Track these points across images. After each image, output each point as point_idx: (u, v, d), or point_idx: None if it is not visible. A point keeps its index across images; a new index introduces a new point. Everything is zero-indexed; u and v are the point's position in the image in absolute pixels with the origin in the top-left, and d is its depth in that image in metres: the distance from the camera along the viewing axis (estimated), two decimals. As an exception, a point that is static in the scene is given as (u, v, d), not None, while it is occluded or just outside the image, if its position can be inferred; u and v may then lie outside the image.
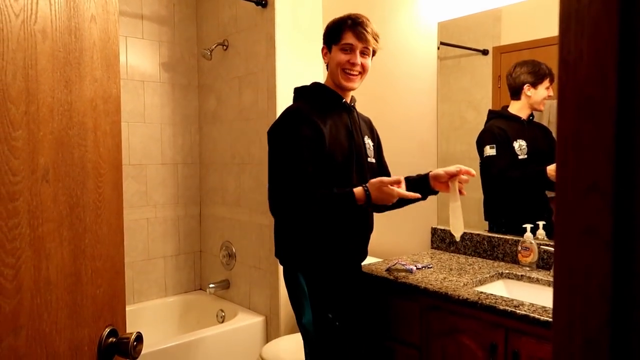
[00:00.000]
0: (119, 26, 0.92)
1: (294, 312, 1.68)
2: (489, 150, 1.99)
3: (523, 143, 1.95)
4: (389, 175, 1.81)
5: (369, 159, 1.69)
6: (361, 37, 1.58)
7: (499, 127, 2.00)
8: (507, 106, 1.99)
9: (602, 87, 0.33)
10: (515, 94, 1.95)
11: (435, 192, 1.70)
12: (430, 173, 1.67)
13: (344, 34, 1.59)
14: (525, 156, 1.95)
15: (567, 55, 0.36)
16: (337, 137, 1.59)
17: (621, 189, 0.32)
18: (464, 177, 1.60)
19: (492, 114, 2.03)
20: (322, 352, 1.61)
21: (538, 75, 1.89)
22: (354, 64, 1.59)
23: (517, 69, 1.93)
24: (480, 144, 2.03)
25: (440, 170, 1.65)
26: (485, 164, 2.01)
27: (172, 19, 3.07)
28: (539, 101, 1.91)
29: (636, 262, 0.32)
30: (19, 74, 0.70)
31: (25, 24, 0.71)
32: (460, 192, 1.61)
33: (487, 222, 2.07)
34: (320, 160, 1.53)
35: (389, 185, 1.49)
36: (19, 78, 0.70)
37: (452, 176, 1.61)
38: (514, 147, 1.96)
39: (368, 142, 1.72)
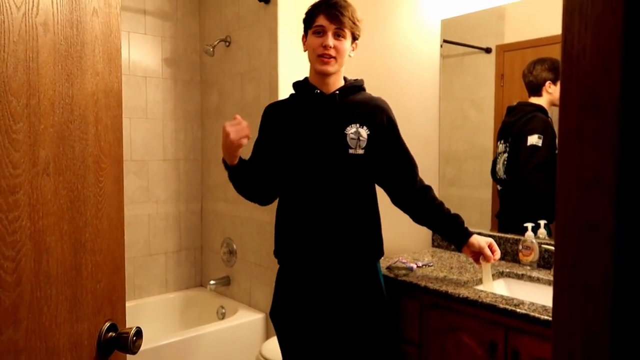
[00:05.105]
0: (121, 20, 0.92)
1: None
2: (536, 140, 1.93)
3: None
4: (400, 167, 1.65)
5: (350, 151, 1.55)
6: (333, 17, 1.51)
7: (545, 119, 1.94)
8: (525, 102, 1.95)
9: (606, 80, 0.32)
10: (535, 90, 1.93)
11: (460, 246, 1.68)
12: (470, 239, 1.63)
13: (317, 17, 1.54)
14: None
15: (571, 49, 0.36)
16: (299, 130, 1.59)
17: (624, 183, 0.32)
18: (493, 261, 1.64)
19: (535, 108, 1.95)
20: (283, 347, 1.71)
21: (559, 71, 1.87)
22: (326, 47, 1.52)
23: (537, 66, 1.91)
24: (524, 132, 1.96)
25: (477, 243, 1.62)
26: (527, 152, 1.95)
27: (175, 14, 3.07)
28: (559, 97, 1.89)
29: (638, 257, 0.32)
30: (20, 67, 0.70)
31: (26, 16, 0.71)
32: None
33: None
34: (270, 150, 1.63)
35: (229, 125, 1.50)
36: (20, 71, 0.70)
37: (480, 253, 1.63)
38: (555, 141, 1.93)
39: (355, 131, 1.56)
